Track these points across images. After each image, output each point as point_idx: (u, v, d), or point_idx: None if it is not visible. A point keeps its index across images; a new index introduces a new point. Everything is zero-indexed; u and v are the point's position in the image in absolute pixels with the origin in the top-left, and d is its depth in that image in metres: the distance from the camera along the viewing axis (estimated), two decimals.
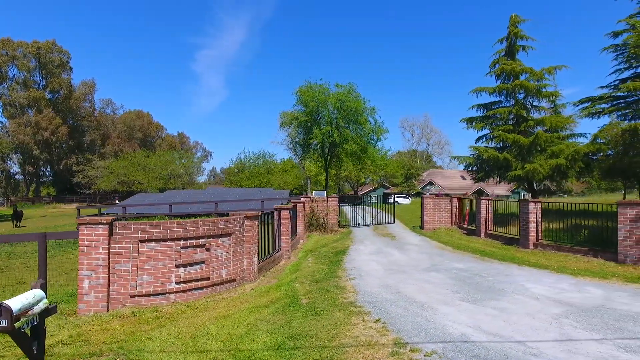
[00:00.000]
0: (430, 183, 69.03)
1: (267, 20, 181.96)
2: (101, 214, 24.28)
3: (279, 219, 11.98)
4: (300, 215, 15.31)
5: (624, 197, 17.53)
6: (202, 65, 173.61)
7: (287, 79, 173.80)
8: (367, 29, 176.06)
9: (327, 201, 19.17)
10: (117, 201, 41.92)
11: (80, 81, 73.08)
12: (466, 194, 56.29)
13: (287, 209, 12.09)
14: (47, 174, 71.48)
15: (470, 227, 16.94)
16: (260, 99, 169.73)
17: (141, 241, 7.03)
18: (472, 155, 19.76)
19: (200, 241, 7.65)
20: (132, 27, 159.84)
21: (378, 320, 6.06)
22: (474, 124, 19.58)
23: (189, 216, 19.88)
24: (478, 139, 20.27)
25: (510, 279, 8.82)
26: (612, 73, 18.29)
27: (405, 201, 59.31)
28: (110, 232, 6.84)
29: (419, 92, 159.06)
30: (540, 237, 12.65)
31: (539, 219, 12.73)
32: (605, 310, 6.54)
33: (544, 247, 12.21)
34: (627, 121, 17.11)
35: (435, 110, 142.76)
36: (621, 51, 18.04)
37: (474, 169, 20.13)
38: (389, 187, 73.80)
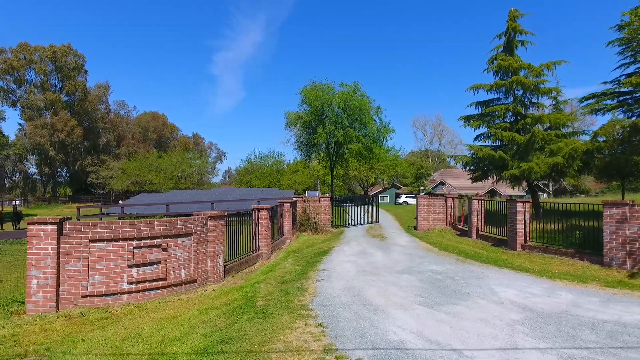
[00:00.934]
0: (442, 183, 67.89)
1: (283, 22, 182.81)
2: (102, 214, 24.66)
3: (258, 219, 11.83)
4: (287, 215, 15.14)
5: (622, 198, 16.73)
6: (219, 67, 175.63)
7: (302, 79, 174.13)
8: (381, 30, 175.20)
9: (320, 201, 18.94)
10: (120, 201, 42.56)
11: (95, 83, 74.67)
12: (477, 193, 55.19)
13: (265, 208, 11.93)
14: (63, 174, 73.22)
15: (464, 227, 16.47)
16: (276, 99, 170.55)
17: (92, 241, 6.97)
18: (469, 154, 19.24)
19: (156, 241, 7.55)
20: (150, 31, 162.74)
21: (320, 325, 5.84)
22: (471, 121, 19.03)
23: (186, 216, 19.91)
24: (476, 138, 19.69)
25: (482, 283, 8.46)
26: (617, 68, 17.53)
27: (414, 201, 59.40)
28: (60, 232, 6.80)
29: (431, 91, 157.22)
30: (528, 239, 12.15)
31: (527, 220, 12.23)
32: (567, 316, 6.17)
33: (531, 249, 11.71)
34: (634, 118, 16.36)
35: (448, 110, 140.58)
36: (626, 45, 17.29)
37: (472, 168, 19.59)
38: (400, 187, 73.08)
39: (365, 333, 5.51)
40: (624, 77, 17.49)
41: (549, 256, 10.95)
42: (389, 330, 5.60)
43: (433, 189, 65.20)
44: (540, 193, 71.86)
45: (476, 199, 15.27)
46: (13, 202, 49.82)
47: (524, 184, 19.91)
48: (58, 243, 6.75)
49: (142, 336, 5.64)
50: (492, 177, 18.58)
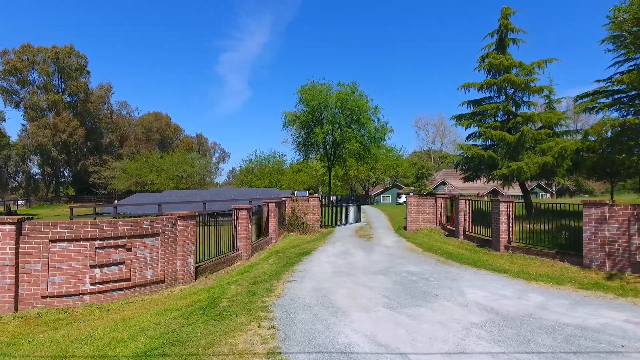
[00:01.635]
0: (443, 183, 67.48)
1: (288, 23, 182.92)
2: (96, 214, 24.72)
3: (237, 219, 11.74)
4: (272, 215, 15.04)
5: (612, 197, 16.43)
6: (225, 67, 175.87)
7: (305, 79, 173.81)
8: (381, 30, 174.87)
9: (309, 201, 18.82)
10: (116, 201, 42.72)
11: (98, 84, 75.04)
12: (478, 194, 54.63)
13: (245, 208, 11.83)
14: (65, 174, 73.70)
15: (452, 228, 16.26)
16: (280, 99, 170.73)
17: (52, 241, 6.90)
18: (460, 154, 19.02)
19: (120, 241, 7.48)
20: (156, 33, 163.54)
21: (273, 327, 5.72)
22: (462, 120, 18.82)
23: None
24: (468, 137, 19.51)
25: (455, 284, 8.30)
26: (611, 66, 17.25)
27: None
28: (20, 232, 6.74)
29: (433, 90, 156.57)
30: (512, 239, 11.94)
31: (511, 220, 12.02)
32: (530, 319, 6.00)
33: (514, 250, 11.51)
34: (629, 116, 16.07)
35: (450, 109, 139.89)
36: (619, 43, 17.00)
37: (464, 167, 19.36)
38: (402, 187, 72.77)
39: (317, 336, 5.38)
40: (618, 75, 17.20)
41: (531, 257, 10.74)
42: (341, 333, 5.46)
43: (434, 189, 64.73)
44: (543, 193, 71.33)
45: (463, 199, 15.07)
46: (14, 201, 50.22)
47: (527, 184, 19.61)
48: (17, 243, 6.69)
49: (93, 338, 5.57)
50: (486, 176, 18.32)
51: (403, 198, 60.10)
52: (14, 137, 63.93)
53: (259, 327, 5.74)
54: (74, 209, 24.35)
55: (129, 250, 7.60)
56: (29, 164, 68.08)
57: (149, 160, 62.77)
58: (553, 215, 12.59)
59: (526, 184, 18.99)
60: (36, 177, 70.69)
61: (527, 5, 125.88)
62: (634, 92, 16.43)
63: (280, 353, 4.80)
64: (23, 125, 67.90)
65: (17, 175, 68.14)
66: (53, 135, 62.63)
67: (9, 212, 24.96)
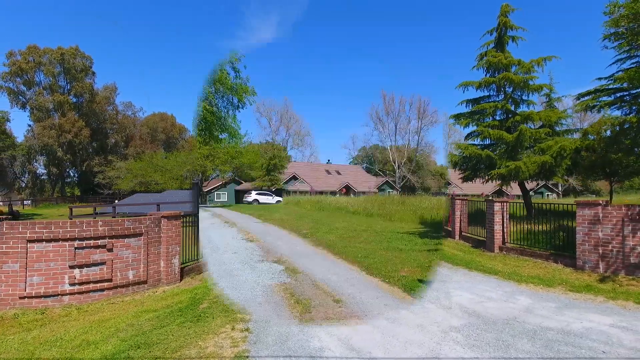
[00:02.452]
0: (294, 177, 63.54)
1: (294, 22, 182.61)
2: (96, 214, 24.81)
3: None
4: None
5: (610, 198, 16.11)
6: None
7: (308, 79, 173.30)
8: (381, 29, 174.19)
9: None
10: (116, 201, 42.91)
11: (103, 85, 75.60)
12: (482, 194, 54.07)
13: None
14: (71, 174, 74.32)
15: (449, 228, 16.05)
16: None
17: (30, 241, 6.85)
18: (458, 153, 18.76)
19: (100, 242, 7.40)
20: (161, 33, 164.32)
21: (246, 330, 5.61)
22: (461, 119, 18.57)
23: None
24: (467, 137, 19.23)
25: (442, 286, 8.12)
26: (613, 63, 16.90)
27: (270, 200, 47.39)
28: None
29: (438, 90, 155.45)
30: (506, 240, 11.71)
31: (506, 221, 11.79)
32: (513, 323, 5.82)
33: (508, 251, 11.28)
34: (632, 114, 15.75)
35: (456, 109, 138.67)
36: (622, 39, 16.67)
37: (462, 167, 19.08)
38: (242, 183, 61.63)
39: (289, 339, 5.25)
40: (620, 72, 16.86)
41: (525, 258, 10.52)
42: (315, 337, 5.33)
43: (284, 183, 58.33)
44: (549, 193, 70.64)
45: (459, 199, 14.86)
46: (20, 201, 50.67)
47: (533, 185, 19.34)
48: None
49: (63, 340, 5.49)
50: (485, 176, 18.02)
51: (253, 195, 47.72)
52: (20, 138, 64.68)
53: (232, 329, 5.63)
54: (73, 209, 24.48)
55: (110, 250, 7.53)
56: (35, 164, 68.82)
57: (154, 161, 62.96)
58: (553, 216, 12.34)
59: (526, 184, 18.69)
60: (42, 177, 71.37)
61: (528, 5, 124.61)
62: (637, 90, 16.10)
63: (247, 357, 4.69)
64: (29, 125, 68.68)
65: (24, 175, 68.86)
66: (59, 136, 63.13)
67: (11, 212, 25.15)
